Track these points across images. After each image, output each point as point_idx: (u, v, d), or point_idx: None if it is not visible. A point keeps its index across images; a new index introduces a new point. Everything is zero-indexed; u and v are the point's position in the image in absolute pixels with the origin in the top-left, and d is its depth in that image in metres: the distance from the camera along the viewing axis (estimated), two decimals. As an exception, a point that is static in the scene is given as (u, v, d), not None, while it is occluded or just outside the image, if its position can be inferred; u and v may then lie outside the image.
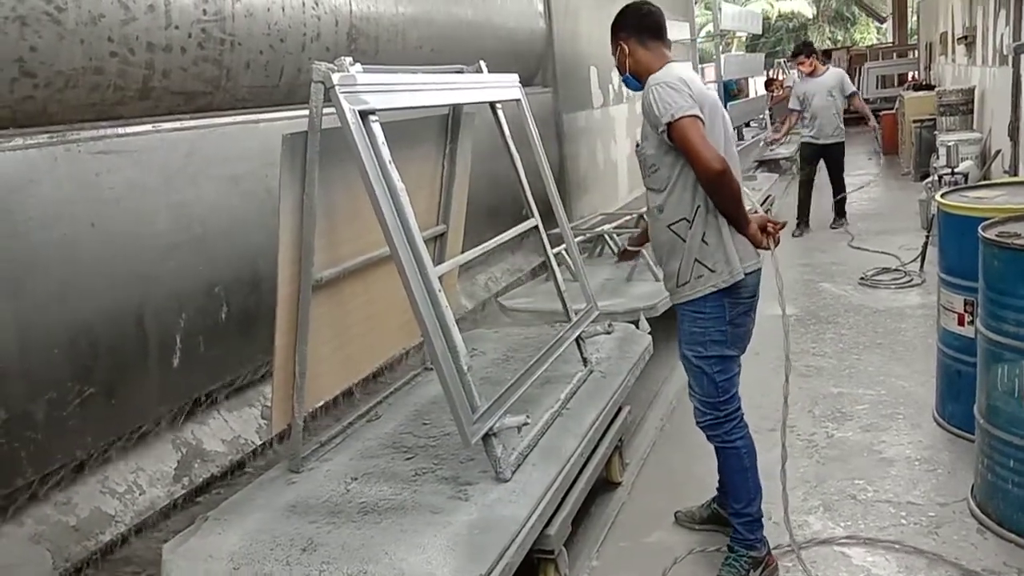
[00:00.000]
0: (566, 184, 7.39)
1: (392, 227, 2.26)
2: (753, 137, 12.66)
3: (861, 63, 19.50)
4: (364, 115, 2.29)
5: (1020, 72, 6.79)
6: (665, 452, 3.68)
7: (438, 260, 3.30)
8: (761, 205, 7.90)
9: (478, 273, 5.87)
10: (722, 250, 2.52)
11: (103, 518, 2.93)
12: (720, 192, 2.42)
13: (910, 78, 17.29)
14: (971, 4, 10.02)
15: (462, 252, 3.30)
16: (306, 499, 2.50)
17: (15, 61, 2.59)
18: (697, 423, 2.73)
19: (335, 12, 4.01)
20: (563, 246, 3.73)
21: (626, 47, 2.66)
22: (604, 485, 3.32)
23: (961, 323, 3.36)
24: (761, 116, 13.72)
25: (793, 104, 8.09)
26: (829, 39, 32.89)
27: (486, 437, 2.43)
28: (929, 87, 12.52)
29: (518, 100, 3.32)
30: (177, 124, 3.25)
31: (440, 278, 2.40)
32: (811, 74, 7.85)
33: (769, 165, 11.68)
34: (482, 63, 3.16)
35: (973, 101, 9.51)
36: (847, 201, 8.29)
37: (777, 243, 2.55)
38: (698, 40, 10.45)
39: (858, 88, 17.38)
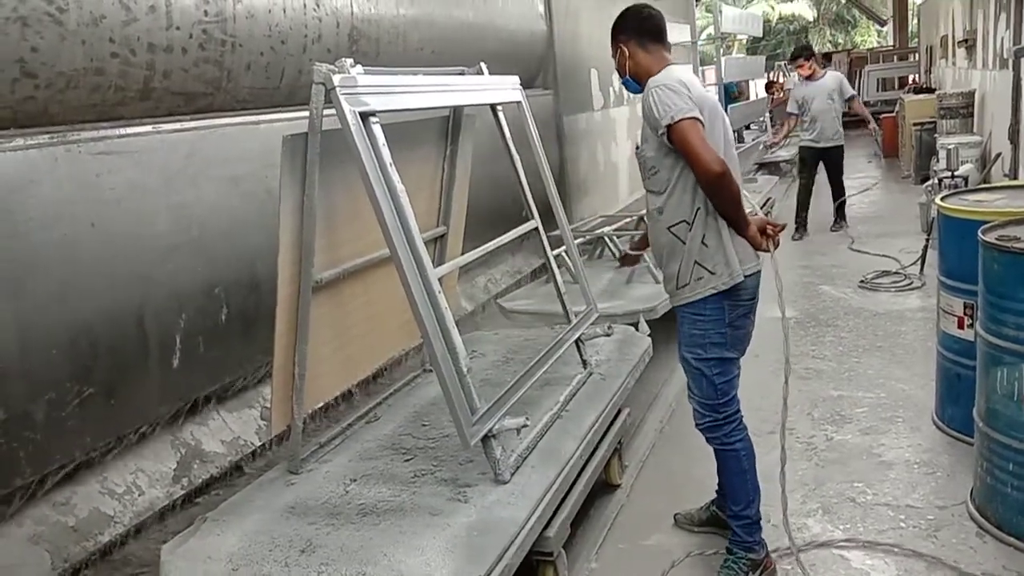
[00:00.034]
0: (566, 186, 7.39)
1: (392, 228, 2.26)
2: (754, 140, 12.64)
3: (862, 66, 19.51)
4: (365, 117, 2.29)
5: (1020, 75, 6.80)
6: (664, 454, 3.68)
7: (438, 262, 3.30)
8: (761, 208, 7.91)
9: (478, 275, 5.87)
10: (722, 252, 2.52)
11: (102, 519, 2.92)
12: (720, 194, 2.42)
13: (910, 81, 17.30)
14: (971, 7, 10.03)
15: (462, 254, 3.30)
16: (305, 500, 2.50)
17: (16, 61, 2.59)
18: (696, 425, 2.73)
19: (336, 14, 4.02)
20: (563, 248, 3.73)
21: (626, 50, 2.66)
22: (603, 487, 3.32)
23: (961, 326, 3.36)
24: (761, 119, 13.71)
25: (791, 108, 8.08)
26: (830, 42, 32.90)
27: (485, 439, 2.43)
28: (929, 90, 12.53)
29: (519, 102, 3.32)
30: (178, 125, 3.25)
31: (440, 280, 2.40)
32: (810, 77, 7.85)
33: (769, 168, 11.68)
34: (483, 65, 3.16)
35: (973, 104, 9.52)
36: (847, 204, 8.29)
37: (777, 245, 2.55)
38: (699, 43, 10.45)
39: (859, 91, 17.43)
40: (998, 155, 7.83)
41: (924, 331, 4.81)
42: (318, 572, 2.12)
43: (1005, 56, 7.51)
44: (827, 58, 20.35)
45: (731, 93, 13.79)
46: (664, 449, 3.73)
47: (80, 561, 2.80)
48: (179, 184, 3.23)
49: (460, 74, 3.10)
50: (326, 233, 2.60)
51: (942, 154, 7.84)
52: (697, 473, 3.24)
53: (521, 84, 3.39)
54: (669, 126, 2.39)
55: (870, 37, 33.30)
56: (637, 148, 2.65)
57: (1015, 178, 6.91)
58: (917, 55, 19.18)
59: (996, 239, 2.75)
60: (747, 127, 14.47)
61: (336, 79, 2.23)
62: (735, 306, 2.58)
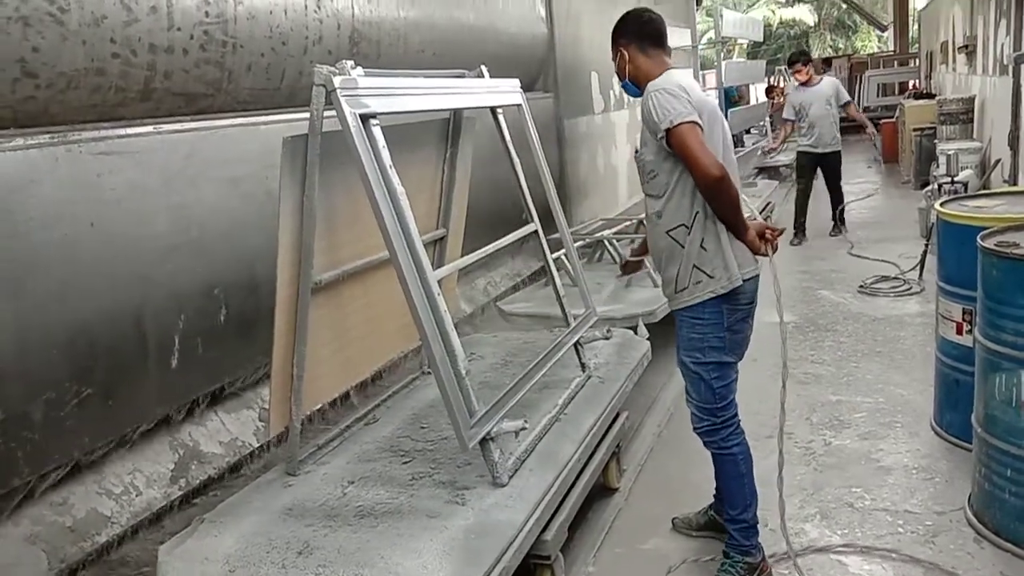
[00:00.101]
0: (566, 189, 7.40)
1: (392, 231, 2.26)
2: (753, 144, 12.66)
3: (862, 71, 19.52)
4: (365, 119, 2.29)
5: (1020, 82, 6.81)
6: (662, 458, 3.68)
7: (437, 264, 3.30)
8: (761, 212, 7.91)
9: (477, 277, 5.87)
10: (720, 256, 2.52)
11: (99, 519, 2.92)
12: (718, 198, 2.42)
13: (911, 86, 17.33)
14: (972, 14, 10.05)
15: (462, 256, 3.30)
16: (303, 502, 2.50)
17: (17, 61, 2.60)
18: (694, 429, 2.73)
19: (337, 16, 4.02)
20: (562, 251, 3.73)
21: (626, 53, 2.66)
22: (601, 491, 3.32)
23: (959, 332, 3.36)
24: (762, 123, 13.73)
25: (788, 114, 8.06)
26: (830, 47, 32.94)
27: (483, 442, 2.42)
28: (930, 96, 12.53)
29: (519, 105, 3.32)
30: (178, 126, 3.26)
31: (439, 282, 2.40)
32: (807, 83, 7.85)
33: (769, 172, 11.69)
34: (483, 68, 3.16)
35: (973, 110, 9.53)
36: (846, 209, 8.30)
37: (775, 250, 2.56)
38: (699, 47, 10.46)
39: (859, 96, 17.47)
40: (998, 161, 7.84)
41: (923, 336, 4.82)
42: (315, 574, 2.12)
43: (1005, 62, 7.52)
44: (827, 63, 20.37)
45: (731, 97, 13.81)
46: (662, 453, 3.73)
47: (77, 561, 2.80)
48: (179, 185, 3.23)
49: (460, 76, 3.10)
50: (326, 235, 2.60)
51: (942, 160, 7.86)
52: (695, 477, 3.24)
53: (521, 87, 3.40)
54: (668, 130, 2.39)
55: (871, 42, 33.33)
56: (636, 152, 2.65)
57: (1015, 184, 6.91)
58: (917, 61, 19.20)
59: (995, 245, 2.75)
60: (747, 131, 14.50)
61: (337, 81, 2.24)
62: (734, 310, 2.58)
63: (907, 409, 3.91)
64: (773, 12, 31.66)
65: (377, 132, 2.31)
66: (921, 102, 11.64)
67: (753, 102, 16.09)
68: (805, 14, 32.64)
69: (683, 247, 2.54)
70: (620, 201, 9.41)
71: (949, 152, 7.55)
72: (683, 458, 3.53)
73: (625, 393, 3.38)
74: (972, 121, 9.51)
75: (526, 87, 3.81)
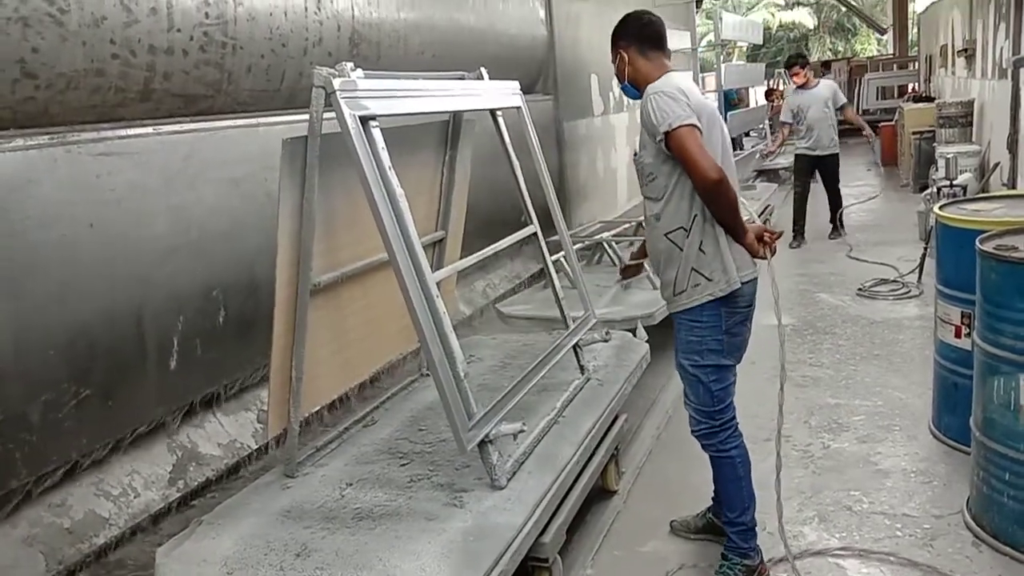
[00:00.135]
0: (565, 191, 7.41)
1: (391, 233, 2.26)
2: (753, 147, 12.67)
3: (861, 74, 19.54)
4: (364, 120, 2.29)
5: (1019, 85, 6.82)
6: (661, 461, 3.68)
7: (436, 266, 3.30)
8: (760, 215, 7.91)
9: (477, 279, 5.88)
10: (719, 259, 2.52)
11: (97, 521, 2.92)
12: (717, 202, 2.42)
13: (910, 90, 17.34)
14: (971, 17, 10.06)
15: (461, 258, 3.30)
16: (301, 504, 2.50)
17: (17, 62, 2.60)
18: (692, 432, 2.73)
19: (337, 17, 4.03)
20: (562, 253, 3.73)
21: (626, 55, 2.66)
22: (600, 493, 3.32)
23: (958, 335, 3.36)
24: (761, 126, 13.74)
25: (785, 116, 8.06)
26: (830, 50, 32.99)
27: (482, 444, 2.42)
28: (929, 99, 12.55)
29: (518, 107, 3.32)
30: (178, 127, 3.26)
31: (438, 284, 2.40)
32: (804, 86, 7.86)
33: (768, 175, 11.69)
34: (483, 70, 3.17)
35: (972, 114, 9.54)
36: (845, 212, 8.30)
37: (774, 253, 2.56)
38: (699, 49, 10.47)
39: (858, 99, 17.48)
40: (996, 164, 7.85)
41: (922, 339, 4.82)
42: (313, 576, 2.12)
43: (1004, 66, 7.53)
44: (826, 66, 20.41)
45: (731, 100, 13.81)
46: (661, 456, 3.73)
47: (75, 563, 2.79)
48: (178, 186, 3.23)
49: (460, 79, 3.11)
50: (325, 236, 2.60)
51: (941, 163, 7.86)
52: (694, 480, 3.24)
53: (521, 89, 3.40)
54: (667, 133, 2.39)
55: (870, 45, 33.38)
56: (635, 154, 2.65)
57: (1013, 188, 6.93)
58: (917, 64, 19.23)
59: (994, 248, 2.75)
60: (747, 134, 14.50)
61: (336, 83, 2.24)
62: (732, 313, 2.58)
63: (905, 412, 3.91)
64: (773, 15, 31.72)
65: (377, 134, 2.31)
66: (920, 105, 11.65)
67: (753, 105, 16.08)
68: (805, 17, 32.69)
69: (682, 250, 2.54)
70: (619, 203, 9.42)
71: (948, 155, 7.55)
72: (682, 461, 3.53)
73: (624, 396, 3.38)
74: (971, 124, 9.52)
75: (526, 89, 3.81)
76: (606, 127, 9.17)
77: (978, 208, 3.56)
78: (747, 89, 16.79)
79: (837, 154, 7.90)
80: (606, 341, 3.76)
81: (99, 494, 2.99)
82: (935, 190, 7.42)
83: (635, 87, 2.67)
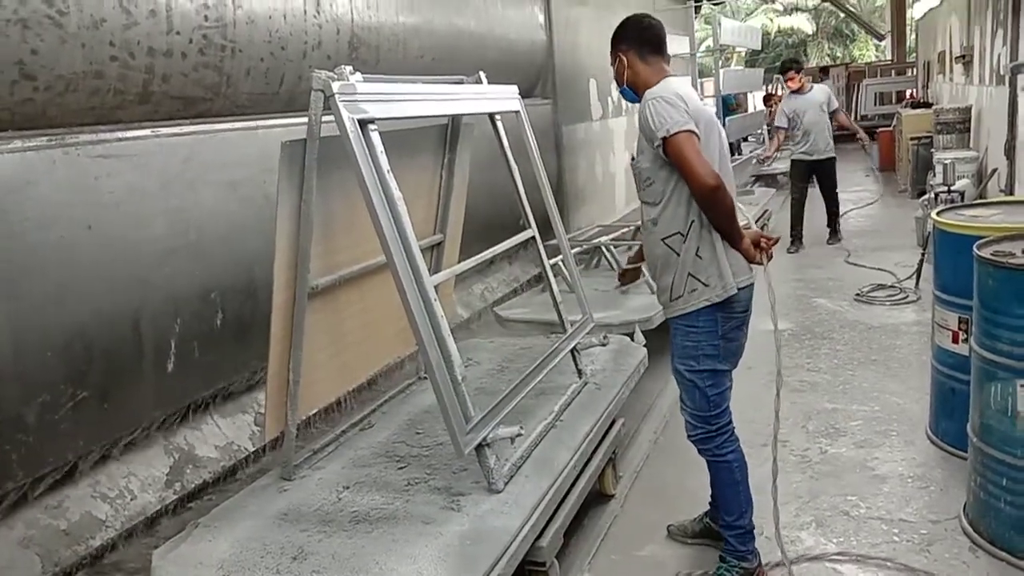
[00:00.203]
0: (564, 196, 7.41)
1: (389, 236, 2.26)
2: (751, 151, 12.69)
3: (860, 80, 19.60)
4: (363, 124, 2.30)
5: (1016, 92, 6.84)
6: (658, 465, 3.68)
7: (434, 269, 3.30)
8: (758, 220, 7.92)
9: (475, 283, 5.88)
10: (715, 265, 2.53)
11: (94, 523, 2.91)
12: (714, 208, 2.43)
13: (908, 96, 17.37)
14: (969, 24, 10.09)
15: (459, 262, 3.30)
16: (298, 507, 2.49)
17: (16, 64, 2.60)
18: (688, 437, 2.73)
19: (336, 21, 4.03)
20: (560, 257, 3.73)
21: (625, 59, 2.67)
22: (597, 497, 3.31)
23: (955, 341, 3.36)
24: (759, 131, 13.76)
25: (780, 121, 8.04)
26: (828, 55, 33.06)
27: (479, 448, 2.42)
28: (927, 105, 12.57)
29: (517, 111, 3.33)
30: (176, 129, 3.26)
31: (436, 287, 2.40)
32: (799, 91, 7.87)
33: (766, 180, 11.71)
34: (482, 74, 3.17)
35: (970, 120, 9.57)
36: (842, 217, 8.31)
37: (770, 258, 2.56)
38: (698, 54, 10.49)
39: (856, 105, 17.50)
40: (994, 170, 7.86)
41: (919, 345, 4.82)
42: (309, 579, 2.11)
43: (1002, 72, 7.55)
44: (825, 72, 20.44)
45: (729, 105, 13.85)
46: (658, 460, 3.73)
47: (71, 565, 2.79)
48: (177, 188, 3.23)
49: (459, 83, 3.11)
50: (323, 239, 2.60)
51: (939, 169, 7.88)
52: (691, 484, 3.24)
53: (520, 93, 3.41)
54: (665, 139, 2.39)
55: (868, 51, 33.45)
56: (633, 159, 2.66)
57: (1011, 194, 6.94)
58: (915, 70, 19.28)
59: (991, 254, 2.76)
60: (745, 139, 14.52)
61: (335, 86, 2.24)
62: (728, 318, 2.58)
63: (903, 417, 3.91)
64: (771, 20, 31.78)
65: (375, 137, 2.32)
66: (918, 111, 11.68)
67: (751, 110, 16.11)
68: (803, 23, 32.75)
69: (678, 255, 2.54)
70: (617, 208, 9.43)
71: (946, 161, 7.57)
72: (679, 465, 3.53)
73: (621, 400, 3.38)
74: (969, 130, 9.55)
75: (524, 93, 3.82)
76: (604, 131, 9.18)
77: (976, 214, 3.56)
78: (745, 94, 16.82)
79: (834, 158, 7.91)
80: (604, 345, 3.76)
81: (96, 496, 2.98)
82: (933, 196, 7.44)
83: (634, 91, 2.67)
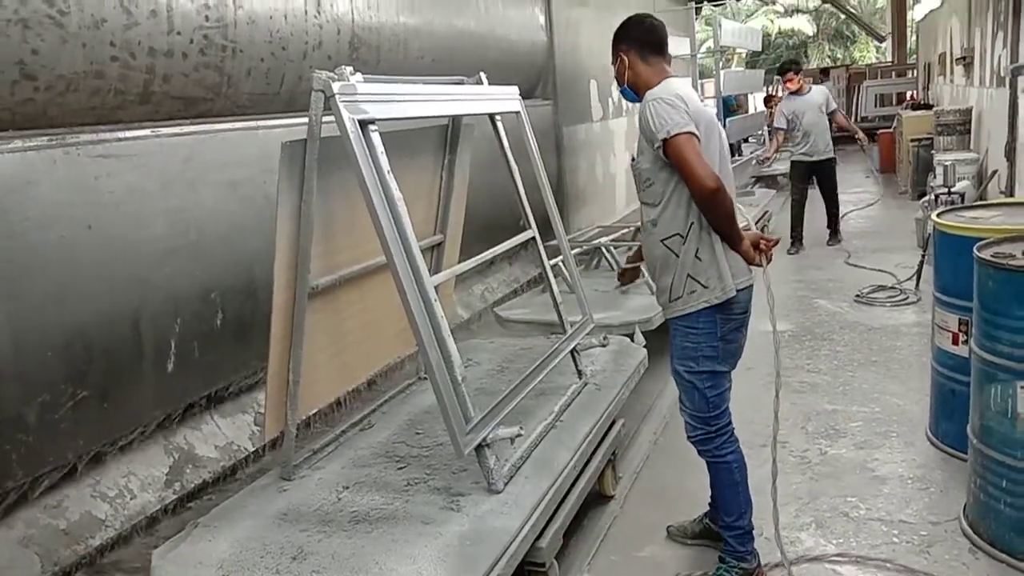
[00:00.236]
0: (564, 196, 7.41)
1: (389, 236, 2.26)
2: (752, 153, 12.68)
3: (860, 81, 19.60)
4: (363, 124, 2.30)
5: (1017, 93, 6.84)
6: (658, 466, 3.68)
7: (435, 270, 3.30)
8: (758, 221, 7.92)
9: (475, 283, 5.88)
10: (715, 266, 2.53)
11: (93, 522, 2.91)
12: (714, 210, 2.43)
13: (908, 97, 17.37)
14: (969, 26, 10.10)
15: (459, 262, 3.30)
16: (297, 507, 2.49)
17: (16, 63, 2.60)
18: (688, 438, 2.73)
19: (337, 21, 4.03)
20: (560, 258, 3.73)
21: (626, 59, 2.67)
22: (597, 498, 3.31)
23: (955, 342, 3.36)
24: (760, 132, 13.75)
25: (779, 123, 8.03)
26: (829, 57, 33.06)
27: (479, 448, 2.42)
28: (927, 107, 12.57)
29: (518, 112, 3.33)
30: (177, 129, 3.26)
31: (436, 288, 2.40)
32: (798, 92, 7.87)
33: (766, 181, 11.71)
34: (482, 75, 3.17)
35: (970, 121, 9.57)
36: (842, 217, 8.31)
37: (770, 260, 2.56)
38: (698, 56, 10.48)
39: (857, 106, 17.49)
40: (994, 172, 7.86)
41: (919, 346, 4.82)
42: (309, 579, 2.11)
43: (1002, 74, 7.55)
44: (825, 73, 20.44)
45: (730, 106, 13.84)
46: (658, 461, 3.73)
47: (70, 565, 2.79)
48: (177, 188, 3.23)
49: (460, 83, 3.11)
50: (323, 240, 2.61)
51: (939, 170, 7.88)
52: (691, 485, 3.24)
53: (520, 94, 3.41)
54: (665, 140, 2.40)
55: (869, 53, 33.44)
56: (633, 160, 2.66)
57: (1011, 195, 6.94)
58: (915, 71, 19.28)
59: (991, 256, 2.76)
60: (745, 140, 14.52)
61: (335, 86, 2.24)
62: (727, 320, 2.59)
63: (903, 419, 3.91)
64: (772, 22, 31.78)
65: (376, 138, 2.32)
66: (919, 113, 11.68)
67: (752, 111, 16.11)
68: (804, 24, 32.75)
69: (678, 256, 2.55)
70: (618, 208, 9.42)
71: (946, 163, 7.57)
72: (679, 466, 3.53)
73: (621, 400, 3.38)
74: (969, 132, 9.55)
75: (525, 94, 3.82)
76: (605, 132, 9.18)
77: (976, 215, 3.57)
78: (746, 95, 16.81)
79: (834, 159, 7.92)
80: (604, 346, 3.76)
81: (95, 496, 2.98)
82: (933, 197, 7.44)
83: (634, 91, 2.67)
